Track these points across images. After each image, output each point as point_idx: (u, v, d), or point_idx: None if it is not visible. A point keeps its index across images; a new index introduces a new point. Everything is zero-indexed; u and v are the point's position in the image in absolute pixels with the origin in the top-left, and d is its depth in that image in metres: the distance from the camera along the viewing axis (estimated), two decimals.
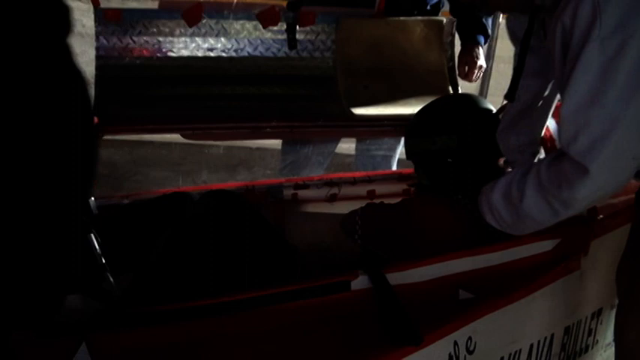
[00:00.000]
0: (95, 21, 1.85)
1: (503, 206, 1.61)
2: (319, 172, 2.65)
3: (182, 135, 1.95)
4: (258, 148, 4.30)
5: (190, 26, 1.92)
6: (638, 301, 1.73)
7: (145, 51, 1.93)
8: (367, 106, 2.06)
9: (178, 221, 1.71)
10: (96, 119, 1.59)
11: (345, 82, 2.06)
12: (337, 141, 2.80)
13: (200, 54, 1.98)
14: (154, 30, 1.92)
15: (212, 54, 1.99)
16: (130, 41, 1.90)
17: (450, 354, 1.50)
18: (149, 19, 1.91)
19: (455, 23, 2.20)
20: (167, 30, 1.93)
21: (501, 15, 4.93)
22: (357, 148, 2.88)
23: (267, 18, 1.97)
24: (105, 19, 1.87)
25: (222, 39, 1.98)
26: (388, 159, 2.82)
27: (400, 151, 2.88)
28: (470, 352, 1.54)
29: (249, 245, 1.64)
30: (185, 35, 1.95)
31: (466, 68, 2.42)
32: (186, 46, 1.95)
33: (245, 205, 1.76)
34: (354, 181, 2.35)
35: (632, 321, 1.76)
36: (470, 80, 2.46)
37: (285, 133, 2.29)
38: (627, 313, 1.78)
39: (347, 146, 2.94)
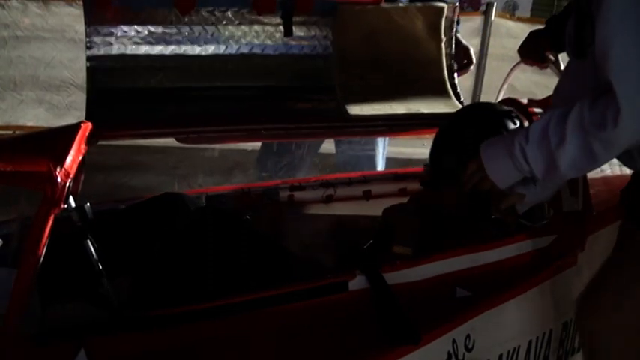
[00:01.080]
0: (85, 13, 1.81)
1: (537, 155, 1.50)
2: (307, 169, 2.65)
3: (177, 139, 1.94)
4: (253, 151, 4.30)
5: (183, 15, 1.89)
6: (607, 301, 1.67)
7: (136, 42, 1.89)
8: (363, 99, 2.03)
9: (173, 224, 1.71)
10: (90, 124, 1.57)
11: (341, 73, 2.03)
12: (321, 141, 2.77)
13: (194, 46, 1.94)
14: (146, 18, 1.88)
15: (206, 45, 1.96)
16: (121, 32, 1.87)
17: (448, 352, 1.50)
18: (140, 8, 1.87)
19: (456, 8, 2.16)
20: (159, 19, 1.89)
21: (493, 14, 4.97)
22: (337, 146, 2.82)
23: (263, 5, 1.94)
24: (95, 9, 1.83)
25: (217, 27, 1.94)
26: (372, 159, 2.79)
27: (387, 150, 2.86)
28: (469, 350, 1.54)
29: (246, 249, 1.64)
30: (178, 24, 1.90)
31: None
32: (179, 32, 1.90)
33: (237, 217, 1.78)
34: (349, 182, 2.35)
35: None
36: (470, 63, 2.37)
37: (280, 135, 2.28)
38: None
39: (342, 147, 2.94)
